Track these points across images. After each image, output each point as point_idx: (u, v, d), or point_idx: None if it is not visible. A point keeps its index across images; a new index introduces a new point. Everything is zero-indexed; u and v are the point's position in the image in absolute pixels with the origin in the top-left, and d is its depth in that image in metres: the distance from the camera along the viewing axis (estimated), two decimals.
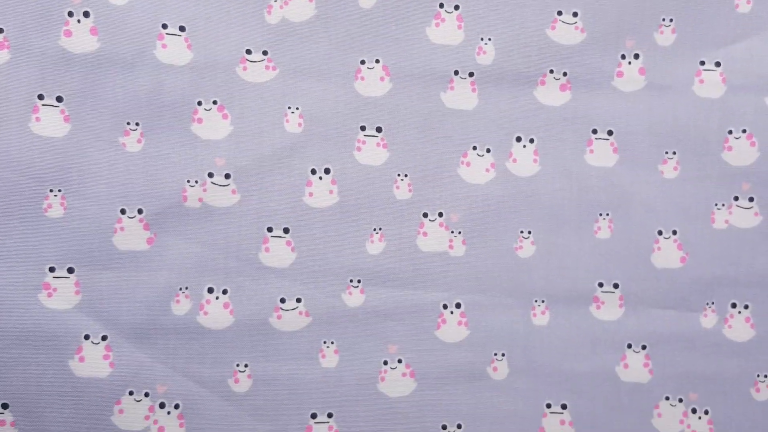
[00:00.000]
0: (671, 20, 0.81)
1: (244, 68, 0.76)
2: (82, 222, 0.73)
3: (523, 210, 0.80)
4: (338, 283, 0.78)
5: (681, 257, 0.82)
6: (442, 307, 0.79)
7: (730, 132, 0.82)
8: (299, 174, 0.77)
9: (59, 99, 0.73)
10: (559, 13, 0.80)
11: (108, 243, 0.74)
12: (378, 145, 0.78)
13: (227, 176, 0.76)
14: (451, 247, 0.79)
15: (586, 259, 0.81)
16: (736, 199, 0.82)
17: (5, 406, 0.72)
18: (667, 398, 0.81)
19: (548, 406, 0.80)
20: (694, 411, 0.82)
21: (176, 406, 0.75)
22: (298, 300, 0.77)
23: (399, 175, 0.79)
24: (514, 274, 0.80)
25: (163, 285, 0.75)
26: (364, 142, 0.78)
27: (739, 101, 0.82)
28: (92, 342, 0.73)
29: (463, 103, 0.79)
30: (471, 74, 0.79)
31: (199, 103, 0.75)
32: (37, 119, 0.73)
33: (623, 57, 0.81)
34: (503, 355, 0.80)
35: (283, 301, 0.77)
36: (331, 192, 0.78)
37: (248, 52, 0.76)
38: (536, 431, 0.80)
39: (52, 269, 0.73)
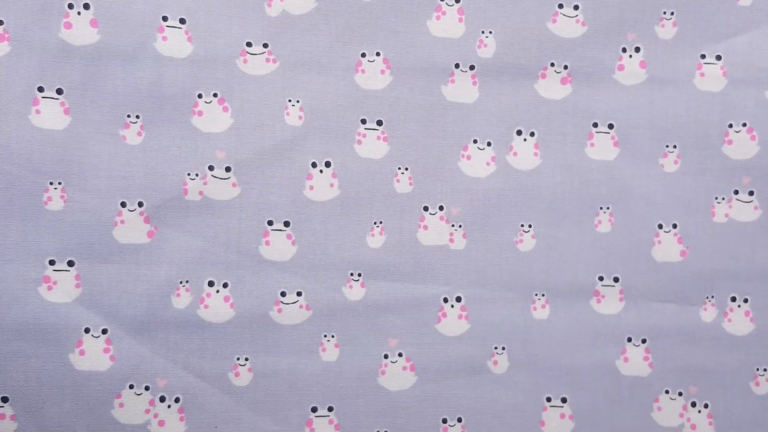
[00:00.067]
0: (672, 13, 0.81)
1: (245, 61, 0.76)
2: (82, 215, 0.73)
3: (523, 203, 0.80)
4: (339, 277, 0.78)
5: (681, 251, 0.82)
6: (442, 301, 0.79)
7: (731, 126, 0.82)
8: (300, 167, 0.77)
9: (59, 91, 0.73)
10: (560, 6, 0.80)
11: (108, 236, 0.74)
12: (378, 138, 0.78)
13: (228, 169, 0.76)
14: (451, 240, 0.79)
15: (587, 252, 0.81)
16: (737, 192, 0.82)
17: (5, 399, 0.72)
18: (667, 392, 0.82)
19: (548, 399, 0.80)
20: (693, 404, 0.82)
21: (177, 400, 0.75)
22: (299, 293, 0.77)
23: (399, 168, 0.79)
24: (515, 268, 0.80)
25: (163, 278, 0.75)
26: (364, 136, 0.78)
27: (740, 95, 0.82)
28: (92, 335, 0.73)
29: (463, 97, 0.79)
30: (472, 67, 0.79)
31: (200, 96, 0.75)
32: (37, 112, 0.72)
33: (624, 50, 0.81)
34: (503, 348, 0.80)
35: (283, 294, 0.77)
36: (331, 185, 0.78)
37: (249, 44, 0.76)
38: (536, 425, 0.80)
39: (52, 262, 0.73)
